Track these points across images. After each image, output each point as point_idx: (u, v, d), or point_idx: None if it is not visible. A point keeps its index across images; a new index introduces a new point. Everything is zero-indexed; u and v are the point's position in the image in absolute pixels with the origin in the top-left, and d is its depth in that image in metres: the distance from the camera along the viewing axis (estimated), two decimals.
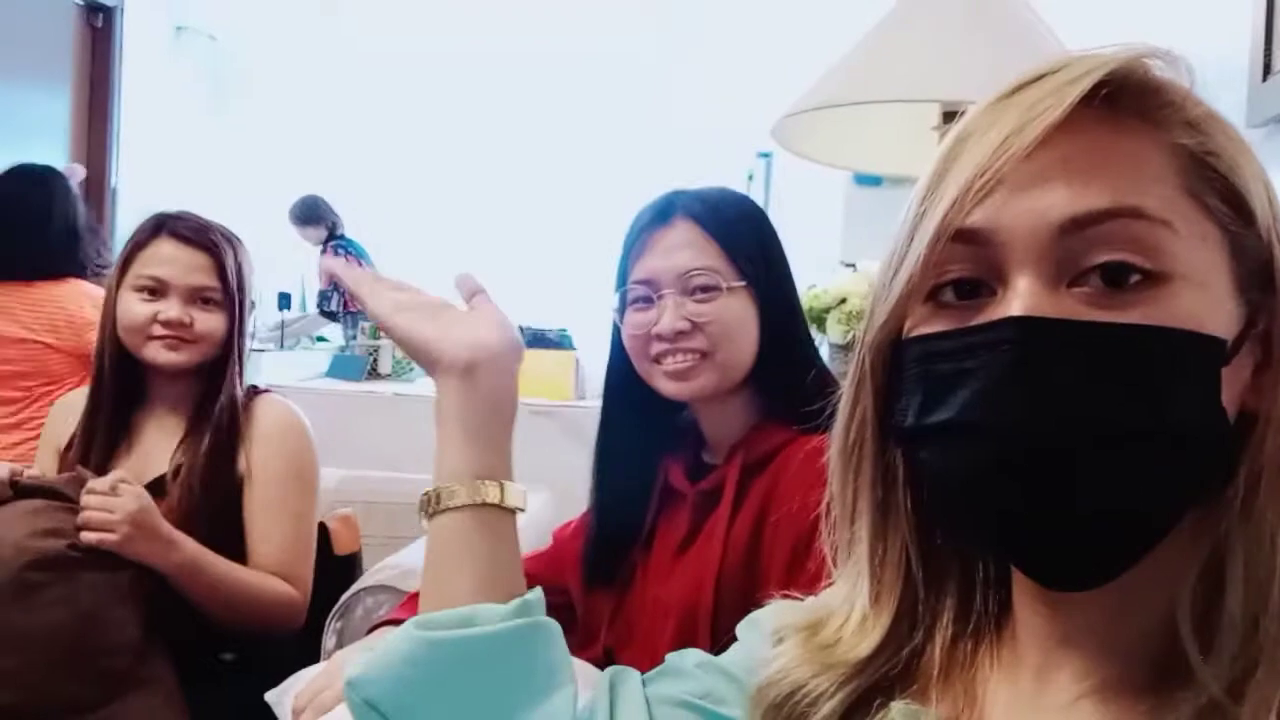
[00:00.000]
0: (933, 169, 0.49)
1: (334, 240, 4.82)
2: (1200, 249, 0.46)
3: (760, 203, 1.28)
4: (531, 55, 4.97)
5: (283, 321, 4.03)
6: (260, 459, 1.47)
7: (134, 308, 1.44)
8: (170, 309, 1.43)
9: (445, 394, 0.69)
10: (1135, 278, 0.45)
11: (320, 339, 4.41)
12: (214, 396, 1.46)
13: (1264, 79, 1.06)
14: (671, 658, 0.68)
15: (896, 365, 0.51)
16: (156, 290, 1.44)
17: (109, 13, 4.11)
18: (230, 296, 1.47)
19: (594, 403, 2.95)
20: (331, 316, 4.61)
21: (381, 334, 3.15)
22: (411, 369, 3.45)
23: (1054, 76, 0.47)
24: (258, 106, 4.87)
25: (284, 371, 3.29)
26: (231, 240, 1.50)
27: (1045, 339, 0.44)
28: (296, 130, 5.02)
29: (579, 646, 1.18)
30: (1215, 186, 0.47)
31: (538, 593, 0.65)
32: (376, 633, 1.09)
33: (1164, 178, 0.46)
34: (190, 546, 1.34)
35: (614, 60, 4.87)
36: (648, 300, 1.08)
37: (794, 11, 3.41)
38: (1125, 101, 0.47)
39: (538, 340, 2.92)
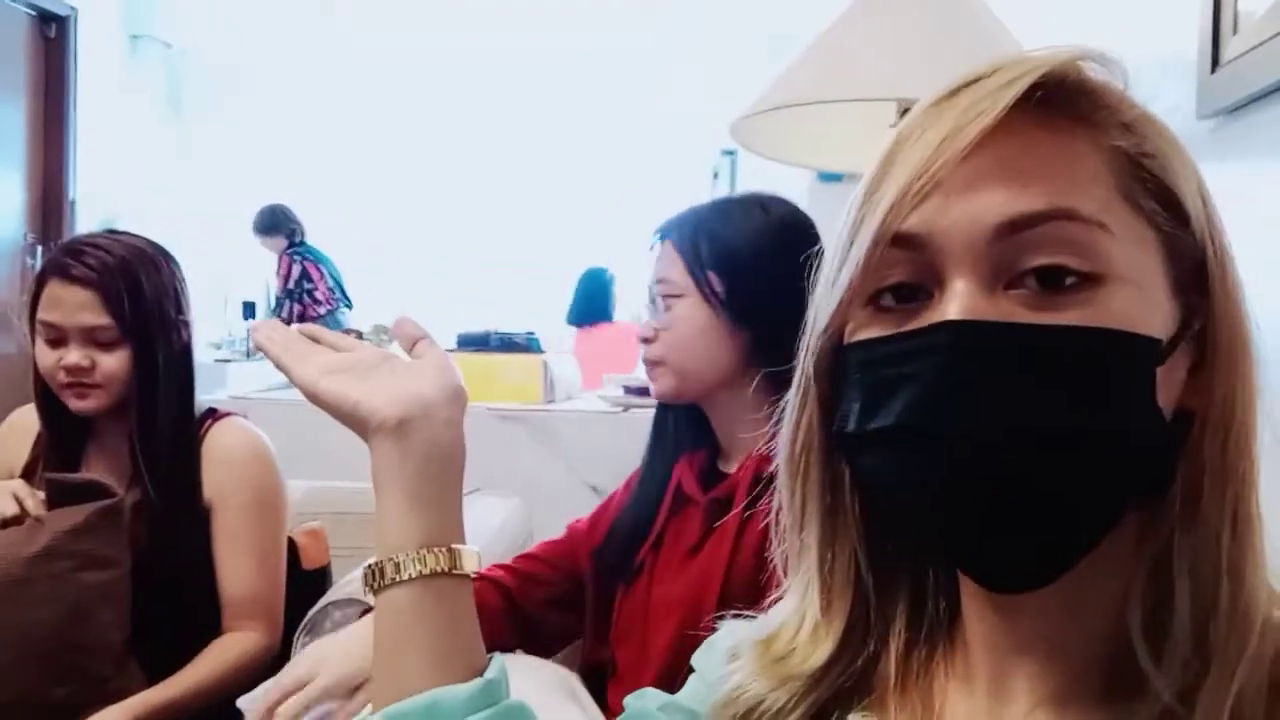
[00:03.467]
0: (871, 173, 0.49)
1: (294, 248, 4.80)
2: (1135, 250, 0.46)
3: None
4: (493, 57, 4.95)
5: (248, 331, 4.01)
6: (223, 490, 1.44)
7: (41, 356, 1.37)
8: (69, 355, 1.34)
9: (380, 457, 0.62)
10: (1071, 280, 0.45)
11: None
12: (145, 433, 1.39)
13: (1212, 71, 1.07)
14: (632, 702, 0.67)
15: (840, 371, 0.51)
16: (56, 336, 1.36)
17: (62, 22, 4.05)
18: (129, 329, 1.36)
19: (563, 406, 2.95)
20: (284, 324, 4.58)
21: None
22: None
23: (990, 79, 0.47)
24: (217, 114, 4.82)
25: (250, 381, 3.26)
26: (133, 263, 1.37)
27: (980, 342, 0.45)
28: (257, 138, 4.97)
29: (592, 638, 1.23)
30: (1149, 188, 0.47)
31: (499, 667, 0.63)
32: (364, 620, 1.11)
33: (1099, 179, 0.46)
34: (132, 704, 1.27)
35: (579, 60, 4.86)
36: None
37: (761, 9, 3.42)
38: (1061, 104, 0.47)
39: (506, 345, 2.91)
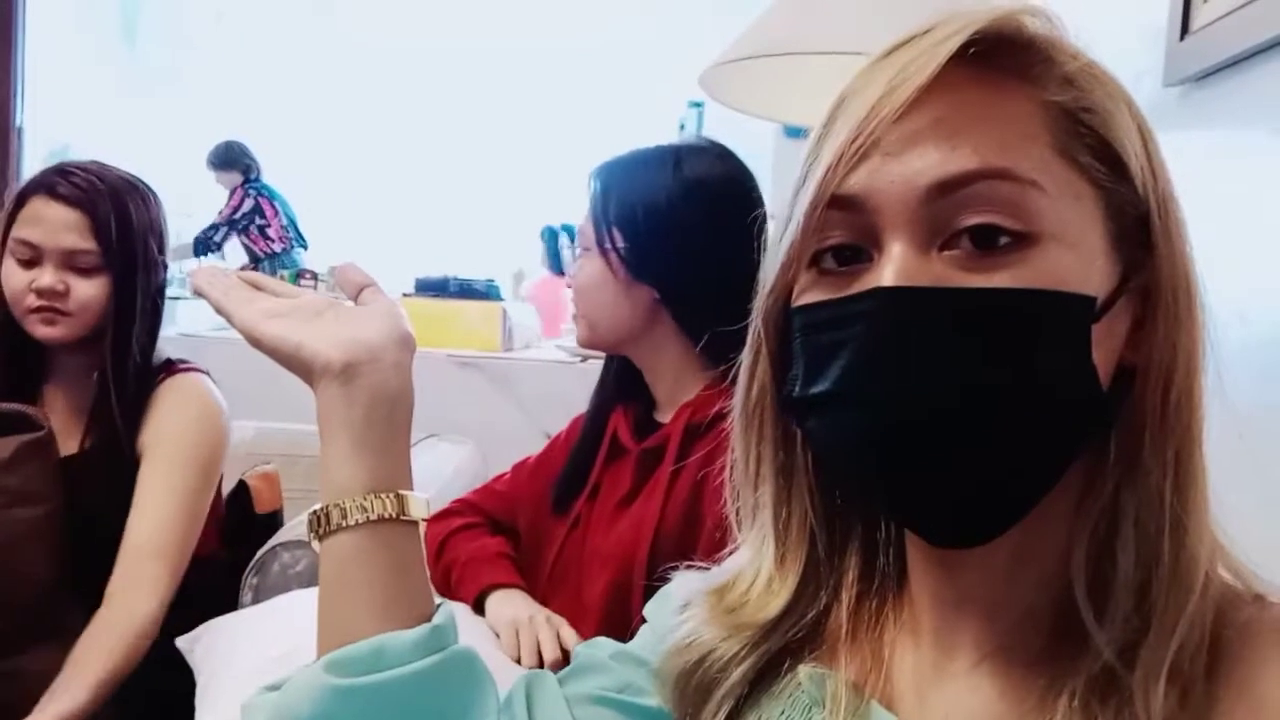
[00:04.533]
0: (815, 133, 0.49)
1: (249, 184, 4.72)
2: (1071, 208, 0.46)
3: None
4: (458, 2, 4.85)
5: (188, 274, 3.94)
6: (158, 437, 1.36)
7: (11, 276, 1.30)
8: (43, 276, 1.28)
9: (325, 402, 0.61)
10: (1004, 239, 0.45)
11: None
12: (117, 370, 1.33)
13: (1181, 39, 1.07)
14: (583, 651, 0.67)
15: (790, 331, 0.51)
16: (31, 256, 1.29)
17: None
18: (112, 258, 1.31)
19: (521, 354, 2.92)
20: (204, 249, 4.49)
21: (301, 281, 3.07)
22: None
23: (927, 36, 0.47)
24: (175, 44, 4.68)
25: (199, 319, 3.20)
26: (123, 192, 1.33)
27: (910, 308, 0.45)
28: (213, 73, 4.84)
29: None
30: (1088, 143, 0.47)
31: (447, 613, 0.62)
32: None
33: (1034, 136, 0.46)
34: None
35: (545, 5, 4.78)
36: None
37: None
38: (998, 59, 0.47)
39: (465, 291, 2.89)
